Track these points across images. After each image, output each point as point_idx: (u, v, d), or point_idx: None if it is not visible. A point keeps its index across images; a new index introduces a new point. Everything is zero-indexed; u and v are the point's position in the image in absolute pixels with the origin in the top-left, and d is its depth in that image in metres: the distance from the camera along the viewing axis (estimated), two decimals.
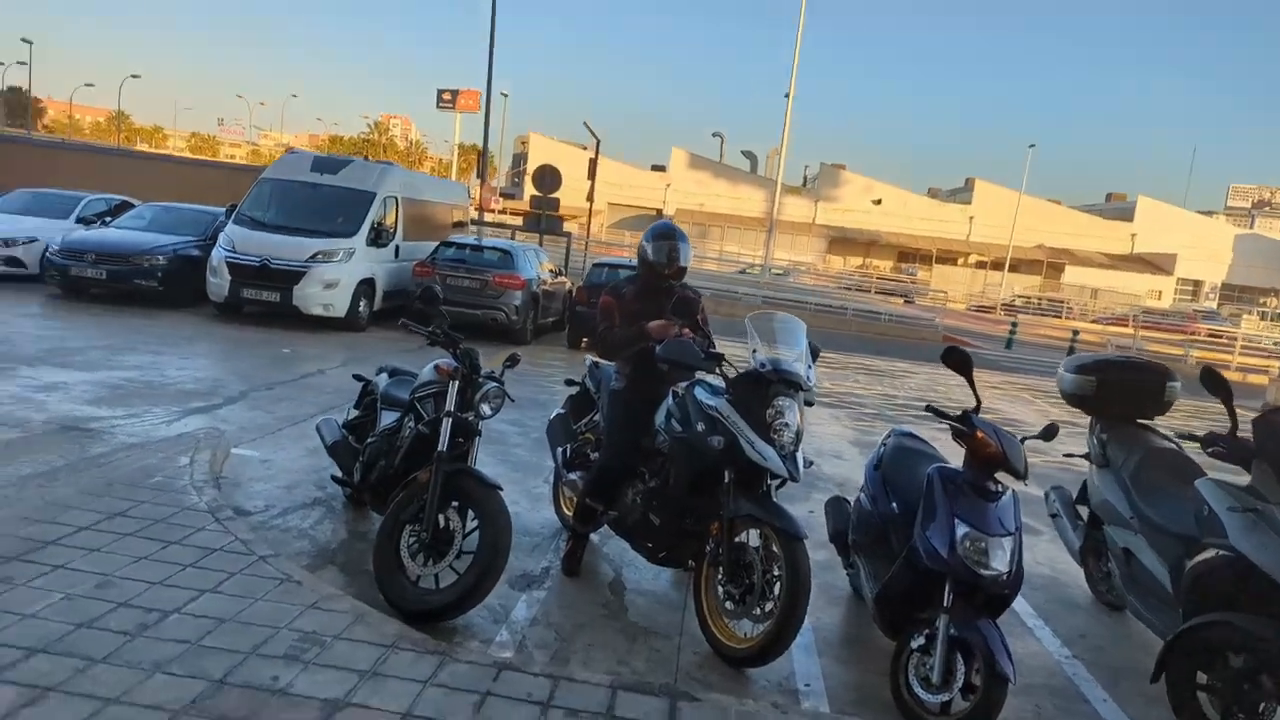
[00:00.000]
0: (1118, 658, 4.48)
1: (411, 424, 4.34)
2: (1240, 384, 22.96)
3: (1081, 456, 5.22)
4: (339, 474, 4.85)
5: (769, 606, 3.75)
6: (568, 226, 21.46)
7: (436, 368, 4.31)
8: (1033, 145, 52.35)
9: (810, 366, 4.07)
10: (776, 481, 3.96)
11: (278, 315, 11.86)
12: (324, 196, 12.90)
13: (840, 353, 17.74)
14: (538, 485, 6.07)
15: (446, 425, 4.02)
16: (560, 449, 5.00)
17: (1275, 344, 27.88)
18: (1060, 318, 37.82)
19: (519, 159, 66.77)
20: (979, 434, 3.63)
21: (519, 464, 6.58)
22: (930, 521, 3.59)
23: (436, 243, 13.88)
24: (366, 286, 12.45)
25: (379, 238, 12.85)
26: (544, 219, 18.38)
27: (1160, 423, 5.03)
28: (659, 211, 55.41)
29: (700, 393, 4.12)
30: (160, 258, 11.93)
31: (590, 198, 21.21)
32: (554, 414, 5.30)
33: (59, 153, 22.33)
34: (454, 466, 3.94)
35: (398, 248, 13.46)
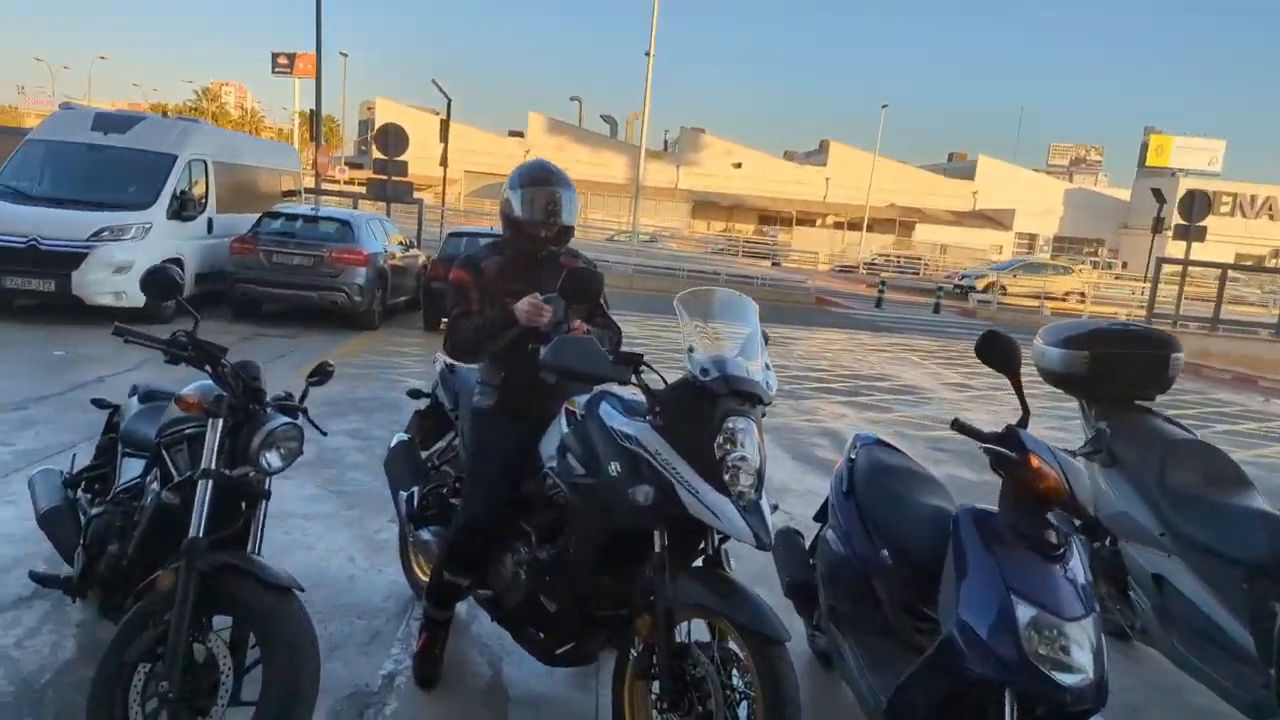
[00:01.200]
0: None
1: (156, 486, 2.76)
2: None
3: (1077, 452, 4.18)
4: (52, 567, 3.15)
5: None
6: (421, 195, 19.43)
7: (179, 400, 2.72)
8: (885, 106, 53.22)
9: (768, 366, 2.77)
10: (719, 536, 2.65)
11: (56, 308, 9.60)
12: (110, 161, 10.62)
13: None
14: (381, 528, 4.54)
15: (204, 492, 2.48)
16: (404, 494, 3.51)
17: (1130, 293, 29.13)
18: (918, 275, 38.57)
19: (365, 126, 62.56)
20: (1033, 460, 2.43)
21: (357, 496, 5.01)
22: (967, 598, 2.37)
23: (260, 213, 11.77)
24: (171, 268, 10.29)
25: (185, 209, 10.69)
26: (390, 185, 16.38)
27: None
28: None
29: (609, 413, 2.74)
30: None
31: (444, 161, 19.27)
32: (394, 441, 3.78)
33: None
34: (217, 561, 2.42)
35: (211, 220, 11.31)
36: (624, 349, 2.80)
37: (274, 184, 13.78)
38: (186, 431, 2.74)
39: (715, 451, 2.50)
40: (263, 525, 2.68)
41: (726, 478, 2.47)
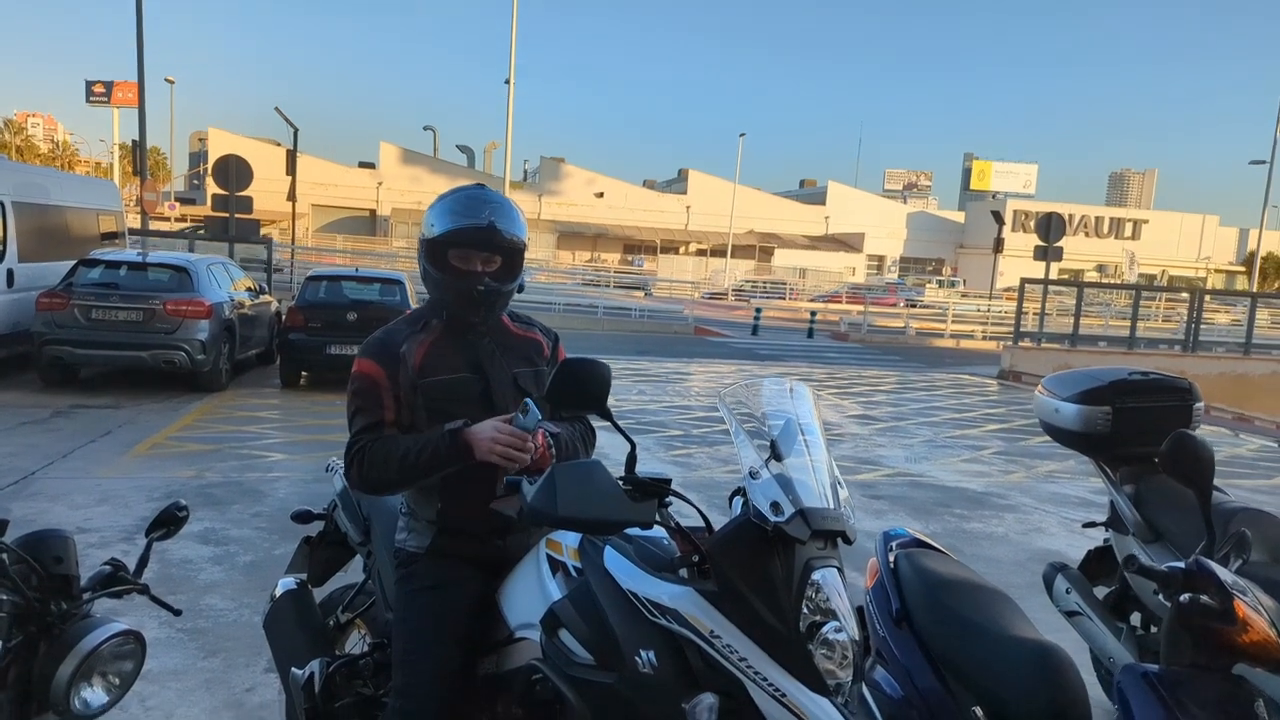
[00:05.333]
0: None
1: None
2: (957, 350, 24.51)
3: (1101, 524, 3.64)
4: None
5: None
6: (267, 232, 17.69)
7: None
8: (743, 134, 54.23)
9: (840, 482, 1.98)
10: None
11: None
12: None
13: (604, 357, 15.86)
14: (254, 684, 3.40)
15: None
16: (301, 672, 2.46)
17: (978, 310, 30.34)
18: (785, 299, 39.28)
19: (198, 158, 58.45)
20: (1240, 608, 1.74)
21: (216, 634, 3.83)
22: None
23: (75, 261, 10.04)
24: None
25: None
26: (233, 223, 14.72)
27: None
28: (372, 212, 50.84)
29: (622, 568, 1.87)
30: None
31: (292, 196, 17.66)
32: (277, 589, 2.72)
33: None
34: None
35: (10, 272, 9.54)
36: (638, 467, 1.94)
37: (90, 226, 11.92)
38: None
39: (799, 622, 1.69)
40: None
41: (821, 661, 1.66)
